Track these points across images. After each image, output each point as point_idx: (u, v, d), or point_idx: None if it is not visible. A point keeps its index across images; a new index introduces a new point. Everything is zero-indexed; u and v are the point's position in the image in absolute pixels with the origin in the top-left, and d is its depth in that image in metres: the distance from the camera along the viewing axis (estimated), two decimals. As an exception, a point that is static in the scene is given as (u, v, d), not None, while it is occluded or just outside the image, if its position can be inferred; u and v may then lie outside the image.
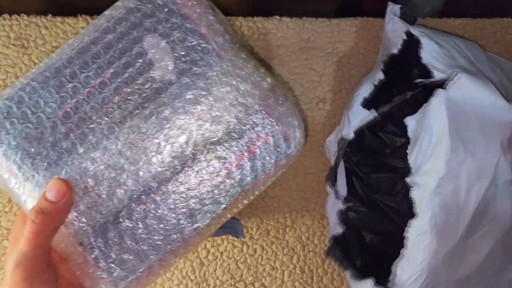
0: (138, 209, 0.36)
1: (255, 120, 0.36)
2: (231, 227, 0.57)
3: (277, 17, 0.61)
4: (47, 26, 0.60)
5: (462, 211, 0.41)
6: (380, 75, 0.49)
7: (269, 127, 0.37)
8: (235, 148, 0.37)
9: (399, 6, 0.51)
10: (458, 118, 0.42)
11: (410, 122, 0.44)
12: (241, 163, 0.36)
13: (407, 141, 0.45)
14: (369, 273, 0.47)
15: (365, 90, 0.50)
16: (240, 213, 0.60)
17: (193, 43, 0.37)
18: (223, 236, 0.59)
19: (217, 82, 0.37)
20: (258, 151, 0.37)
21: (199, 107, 0.37)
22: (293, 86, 0.61)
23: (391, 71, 0.50)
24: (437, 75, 0.44)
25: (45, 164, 0.36)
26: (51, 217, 0.34)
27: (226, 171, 0.36)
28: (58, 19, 0.60)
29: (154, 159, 0.36)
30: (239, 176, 0.37)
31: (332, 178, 0.53)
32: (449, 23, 0.63)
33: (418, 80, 0.47)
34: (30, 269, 0.33)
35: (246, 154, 0.36)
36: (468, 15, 0.63)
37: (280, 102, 0.37)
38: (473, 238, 0.42)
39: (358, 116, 0.49)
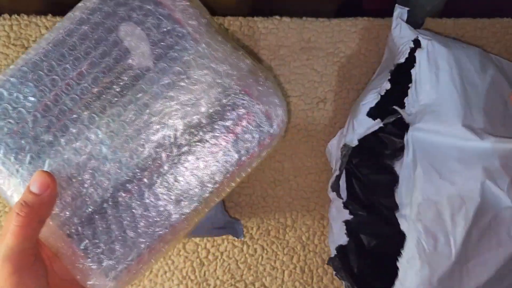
0: (123, 198, 0.36)
1: (235, 101, 0.36)
2: (231, 227, 0.57)
3: (277, 17, 0.61)
4: (47, 26, 0.60)
5: (451, 236, 0.42)
6: (387, 85, 0.49)
7: (250, 107, 0.36)
8: (217, 131, 0.36)
9: (407, 9, 0.51)
10: (429, 150, 0.45)
11: (396, 164, 0.48)
12: (224, 144, 0.36)
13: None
14: (366, 283, 0.47)
15: (371, 100, 0.50)
16: (240, 213, 0.60)
17: (167, 28, 0.37)
18: (223, 236, 0.59)
19: (194, 65, 0.37)
20: (240, 131, 0.36)
21: (177, 92, 0.37)
22: (294, 86, 0.61)
23: (396, 76, 0.50)
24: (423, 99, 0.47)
25: (28, 158, 0.36)
26: (35, 209, 0.34)
27: (210, 154, 0.36)
28: (58, 19, 0.60)
29: (136, 147, 0.36)
30: (223, 158, 0.36)
31: (337, 189, 0.53)
32: (449, 23, 0.62)
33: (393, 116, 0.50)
34: (17, 263, 0.32)
35: (229, 135, 0.36)
36: (468, 15, 0.63)
37: (260, 82, 0.37)
38: (471, 263, 0.43)
39: (363, 125, 0.49)
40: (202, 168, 0.37)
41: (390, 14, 0.53)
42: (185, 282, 0.59)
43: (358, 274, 0.50)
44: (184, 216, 0.37)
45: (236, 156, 0.37)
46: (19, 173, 0.36)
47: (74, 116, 0.37)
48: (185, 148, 0.36)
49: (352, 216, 0.52)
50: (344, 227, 0.52)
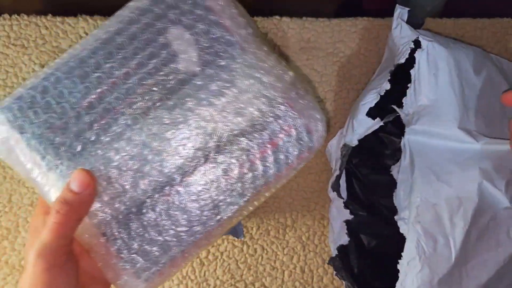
0: (162, 200, 0.36)
1: (278, 113, 0.36)
2: (231, 227, 0.57)
3: (277, 17, 0.61)
4: (47, 26, 0.60)
5: (451, 237, 0.42)
6: (387, 86, 0.49)
7: (291, 119, 0.36)
8: (258, 140, 0.36)
9: (407, 9, 0.51)
10: (426, 152, 0.45)
11: (393, 168, 0.48)
12: (264, 155, 0.36)
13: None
14: (366, 283, 0.47)
15: (371, 100, 0.50)
16: (240, 213, 0.60)
17: (216, 35, 0.37)
18: (223, 236, 0.59)
19: (240, 74, 0.36)
20: (281, 143, 0.36)
21: (223, 99, 0.36)
22: (293, 86, 0.61)
23: (396, 77, 0.50)
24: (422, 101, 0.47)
25: (68, 154, 0.36)
26: (75, 208, 0.33)
27: (250, 163, 0.36)
28: (58, 19, 0.60)
29: (177, 150, 0.36)
30: (262, 168, 0.36)
31: (337, 188, 0.53)
32: (449, 23, 0.63)
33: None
34: (51, 260, 0.32)
35: (269, 146, 0.36)
36: (468, 15, 0.63)
37: (301, 95, 0.37)
38: (471, 264, 0.43)
39: (363, 125, 0.49)
40: (241, 177, 0.36)
41: (390, 14, 0.53)
42: (185, 282, 0.59)
43: (358, 274, 0.51)
44: (220, 222, 0.36)
45: (275, 167, 0.37)
46: (58, 169, 0.35)
47: (118, 115, 0.36)
48: (226, 156, 0.36)
49: (352, 216, 0.52)
50: (345, 227, 0.52)
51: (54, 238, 0.32)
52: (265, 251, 0.60)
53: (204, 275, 0.59)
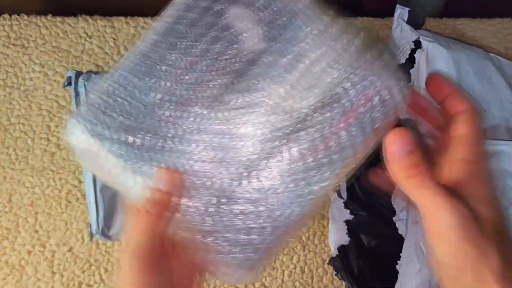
0: (251, 187, 0.34)
1: (355, 79, 0.33)
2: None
3: (277, 17, 0.61)
4: (47, 26, 0.60)
5: None
6: None
7: (370, 83, 0.33)
8: (339, 110, 0.33)
9: (408, 9, 0.51)
10: None
11: None
12: (348, 124, 0.33)
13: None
14: (366, 283, 0.47)
15: None
16: (240, 213, 0.60)
17: (278, 7, 0.34)
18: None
19: (310, 44, 0.34)
20: (363, 109, 0.33)
21: (295, 73, 0.34)
22: (293, 86, 0.61)
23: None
24: None
25: (150, 153, 0.35)
26: (164, 206, 0.33)
27: (334, 135, 0.33)
28: (58, 19, 0.60)
29: (256, 134, 0.34)
30: (347, 138, 0.33)
31: (337, 189, 0.53)
32: (449, 23, 0.62)
33: None
34: (147, 260, 0.32)
35: (351, 114, 0.33)
36: (468, 15, 0.63)
37: (376, 55, 0.34)
38: None
39: None
40: (327, 149, 0.34)
41: (390, 14, 0.53)
42: (185, 282, 0.59)
43: (358, 274, 0.51)
44: (312, 200, 0.34)
45: (361, 134, 0.33)
46: (142, 169, 0.34)
47: (191, 107, 0.35)
48: (308, 131, 0.34)
49: (352, 216, 0.52)
50: (345, 227, 0.52)
51: (147, 239, 0.33)
52: (265, 251, 0.60)
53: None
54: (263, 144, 0.34)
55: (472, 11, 0.64)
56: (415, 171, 0.28)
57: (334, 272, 0.52)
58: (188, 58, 0.35)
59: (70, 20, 0.60)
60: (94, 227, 0.53)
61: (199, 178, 0.34)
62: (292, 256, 0.60)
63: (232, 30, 0.35)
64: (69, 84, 0.55)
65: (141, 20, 0.60)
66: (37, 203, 0.58)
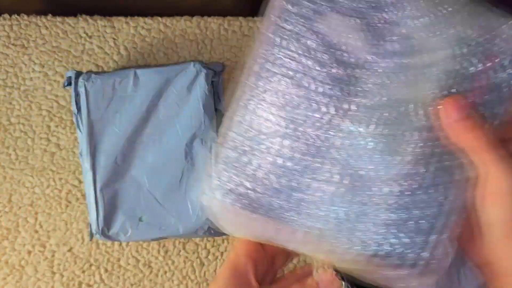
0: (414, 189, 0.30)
1: (478, 49, 0.30)
2: (231, 227, 0.57)
3: (277, 17, 0.61)
4: (47, 26, 0.60)
5: None
6: None
7: (495, 48, 0.31)
8: (472, 85, 0.30)
9: None
10: None
11: None
12: (483, 96, 0.30)
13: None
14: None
15: None
16: (240, 213, 0.60)
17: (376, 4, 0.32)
18: (223, 236, 0.59)
19: (421, 30, 0.31)
20: (494, 78, 0.30)
21: (412, 66, 0.31)
22: (293, 86, 0.61)
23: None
24: None
25: (303, 210, 0.31)
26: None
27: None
28: (58, 19, 0.60)
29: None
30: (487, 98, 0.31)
31: None
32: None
33: None
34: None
35: (484, 84, 0.30)
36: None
37: (488, 20, 0.31)
38: (469, 265, 0.43)
39: None
40: None
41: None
42: (185, 282, 0.59)
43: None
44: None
45: (498, 93, 0.31)
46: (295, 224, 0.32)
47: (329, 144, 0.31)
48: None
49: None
50: None
51: None
52: (265, 251, 0.60)
53: (204, 275, 0.59)
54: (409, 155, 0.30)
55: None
56: (476, 134, 0.28)
57: (334, 272, 0.52)
58: (310, 84, 0.32)
59: (70, 20, 0.60)
60: (94, 227, 0.53)
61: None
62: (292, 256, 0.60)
63: (332, 44, 0.32)
64: (69, 84, 0.55)
65: (141, 20, 0.60)
66: (37, 203, 0.58)
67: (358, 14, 0.32)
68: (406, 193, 0.30)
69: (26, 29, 0.60)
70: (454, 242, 0.30)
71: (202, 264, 0.59)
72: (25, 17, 0.60)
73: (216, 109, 0.55)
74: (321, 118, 0.31)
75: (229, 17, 0.60)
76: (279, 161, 0.32)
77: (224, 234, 0.57)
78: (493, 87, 0.30)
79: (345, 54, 0.32)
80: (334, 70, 0.32)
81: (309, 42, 0.32)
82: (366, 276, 0.33)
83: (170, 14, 0.60)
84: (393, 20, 0.32)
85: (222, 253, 0.59)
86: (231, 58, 0.60)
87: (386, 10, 0.32)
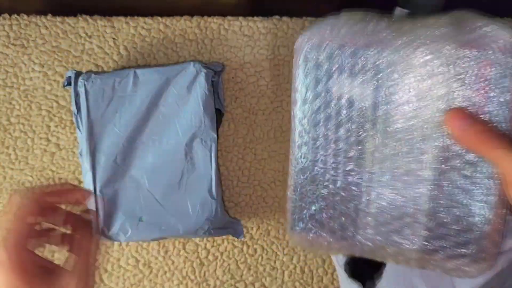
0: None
1: (463, 62, 0.32)
2: (231, 227, 0.57)
3: (277, 17, 0.61)
4: (47, 26, 0.60)
5: None
6: None
7: (482, 56, 0.32)
8: (465, 92, 0.32)
9: (406, 11, 0.51)
10: None
11: None
12: (485, 94, 0.32)
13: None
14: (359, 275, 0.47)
15: None
16: (240, 213, 0.60)
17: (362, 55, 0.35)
18: (223, 236, 0.59)
19: (408, 56, 0.34)
20: (487, 80, 0.32)
21: (413, 92, 0.33)
22: (294, 86, 0.61)
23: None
24: None
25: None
26: None
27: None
28: (58, 19, 0.60)
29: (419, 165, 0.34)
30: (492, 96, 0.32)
31: None
32: (450, 23, 0.63)
33: None
34: None
35: (482, 86, 0.31)
36: (468, 15, 0.63)
37: (471, 28, 0.33)
38: None
39: None
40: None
41: (390, 13, 0.53)
42: (185, 282, 0.59)
43: (351, 263, 0.50)
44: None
45: (499, 85, 0.31)
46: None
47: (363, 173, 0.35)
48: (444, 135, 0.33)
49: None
50: None
51: None
52: (265, 251, 0.60)
53: (204, 275, 0.59)
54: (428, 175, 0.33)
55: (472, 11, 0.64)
56: (483, 137, 0.30)
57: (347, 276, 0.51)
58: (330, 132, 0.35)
59: (70, 20, 0.60)
60: (94, 227, 0.53)
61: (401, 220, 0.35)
62: (292, 256, 0.60)
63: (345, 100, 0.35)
64: (69, 84, 0.55)
65: (141, 20, 0.60)
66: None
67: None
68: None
69: (26, 29, 0.60)
70: (500, 232, 0.33)
71: (202, 264, 0.59)
72: (25, 17, 0.60)
73: (216, 109, 0.56)
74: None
75: (229, 17, 0.60)
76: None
77: (224, 234, 0.57)
78: (493, 82, 0.31)
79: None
80: None
81: None
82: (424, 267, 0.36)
83: (170, 14, 0.60)
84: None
85: (222, 253, 0.59)
86: (231, 58, 0.60)
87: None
